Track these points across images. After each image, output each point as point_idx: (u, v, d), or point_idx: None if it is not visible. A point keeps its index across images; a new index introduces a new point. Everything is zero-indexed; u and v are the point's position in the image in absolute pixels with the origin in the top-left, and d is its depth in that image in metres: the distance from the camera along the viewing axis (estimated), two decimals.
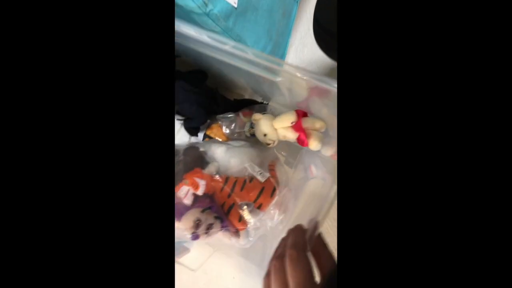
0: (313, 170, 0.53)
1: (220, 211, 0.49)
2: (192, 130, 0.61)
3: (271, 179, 0.51)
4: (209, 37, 0.37)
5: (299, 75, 0.35)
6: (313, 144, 0.53)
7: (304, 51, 0.67)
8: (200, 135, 0.64)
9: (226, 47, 0.36)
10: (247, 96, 0.66)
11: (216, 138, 0.63)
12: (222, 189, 0.49)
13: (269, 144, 0.54)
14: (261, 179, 0.50)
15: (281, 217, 0.52)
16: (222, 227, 0.47)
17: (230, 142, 0.57)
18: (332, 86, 0.35)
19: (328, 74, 0.70)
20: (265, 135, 0.53)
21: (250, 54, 0.36)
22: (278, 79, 0.40)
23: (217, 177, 0.50)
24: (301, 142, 0.53)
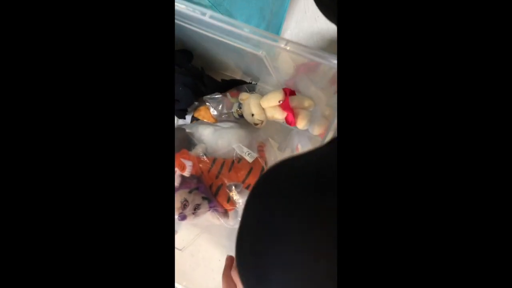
0: (299, 148, 0.52)
1: (208, 192, 0.49)
2: (179, 113, 0.60)
3: (260, 159, 0.51)
4: (190, 8, 0.35)
5: (287, 47, 0.34)
6: (301, 123, 0.52)
7: (300, 35, 0.65)
8: (188, 117, 0.63)
9: (206, 17, 0.35)
10: (236, 78, 0.64)
11: (205, 120, 0.62)
12: (209, 170, 0.48)
13: (257, 124, 0.53)
14: (249, 159, 0.50)
15: None
16: (210, 207, 0.47)
17: (218, 124, 0.57)
18: (327, 60, 0.34)
19: None
20: (252, 115, 0.52)
21: (233, 26, 0.35)
22: (261, 52, 0.39)
23: (204, 158, 0.49)
24: (289, 121, 0.52)
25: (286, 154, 0.59)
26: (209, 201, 0.47)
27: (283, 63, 0.53)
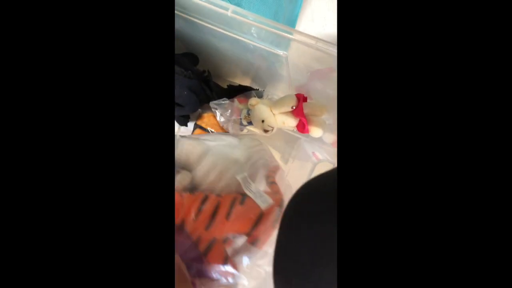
0: (318, 155, 0.50)
1: (194, 252, 0.32)
2: (182, 119, 0.57)
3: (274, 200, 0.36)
4: (207, 1, 0.33)
5: (308, 42, 0.32)
6: (315, 131, 0.49)
7: None
8: (190, 125, 0.59)
9: (227, 13, 0.32)
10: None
11: (208, 128, 0.58)
12: (197, 214, 0.32)
13: (267, 131, 0.50)
14: (261, 204, 0.34)
15: None
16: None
17: (210, 138, 0.43)
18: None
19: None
20: (263, 121, 0.50)
21: (253, 20, 0.32)
22: (284, 52, 0.36)
23: (190, 194, 0.33)
24: (302, 128, 0.50)
25: (296, 165, 0.56)
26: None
27: (295, 68, 0.51)
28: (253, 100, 0.51)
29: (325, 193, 0.20)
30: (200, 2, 0.33)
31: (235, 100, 0.54)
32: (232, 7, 0.33)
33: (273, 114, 0.50)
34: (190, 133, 0.58)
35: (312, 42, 0.31)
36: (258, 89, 0.58)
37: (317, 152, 0.50)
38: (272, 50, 0.36)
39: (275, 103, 0.49)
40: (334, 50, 0.32)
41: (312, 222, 0.19)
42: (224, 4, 0.33)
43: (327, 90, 0.50)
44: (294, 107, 0.48)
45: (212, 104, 0.53)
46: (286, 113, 0.49)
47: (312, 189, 0.21)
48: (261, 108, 0.50)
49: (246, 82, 0.61)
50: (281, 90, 0.55)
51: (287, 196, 0.39)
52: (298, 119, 0.49)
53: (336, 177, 0.21)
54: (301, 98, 0.49)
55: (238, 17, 0.32)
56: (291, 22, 0.51)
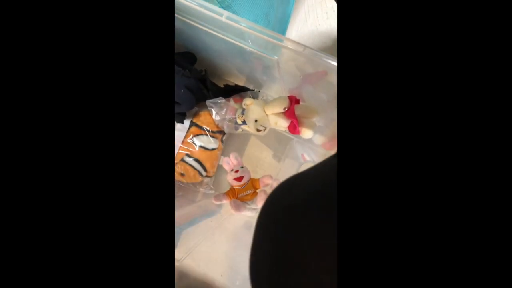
0: (306, 157, 0.51)
1: None
2: (178, 117, 0.58)
3: None
4: (201, 5, 0.34)
5: (296, 49, 0.34)
6: (306, 132, 0.51)
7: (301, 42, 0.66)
8: (186, 122, 0.61)
9: (222, 18, 0.34)
10: (239, 84, 0.63)
11: (204, 126, 0.60)
12: None
13: (259, 131, 0.52)
14: None
15: None
16: None
17: None
18: (331, 62, 0.34)
19: None
20: (256, 121, 0.51)
21: (245, 26, 0.34)
22: (275, 57, 0.38)
23: None
24: (293, 129, 0.51)
25: (287, 164, 0.58)
26: None
27: (289, 71, 0.53)
28: (248, 100, 0.52)
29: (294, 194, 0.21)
30: (196, 7, 0.35)
31: (231, 99, 0.55)
32: (226, 13, 0.34)
33: (266, 114, 0.52)
34: (186, 130, 0.60)
35: (300, 49, 0.33)
36: (254, 90, 0.59)
37: (305, 154, 0.52)
38: (264, 55, 0.38)
39: (268, 104, 0.51)
40: (322, 57, 0.33)
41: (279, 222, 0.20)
42: (219, 10, 0.35)
43: (318, 94, 0.52)
44: (286, 108, 0.50)
45: (208, 102, 0.55)
46: (278, 114, 0.51)
47: (282, 191, 0.22)
48: (255, 108, 0.52)
49: (241, 81, 0.62)
50: (276, 91, 0.56)
51: None
52: (290, 120, 0.51)
53: (304, 179, 0.22)
54: (293, 100, 0.51)
55: (231, 22, 0.34)
56: (284, 22, 0.52)
